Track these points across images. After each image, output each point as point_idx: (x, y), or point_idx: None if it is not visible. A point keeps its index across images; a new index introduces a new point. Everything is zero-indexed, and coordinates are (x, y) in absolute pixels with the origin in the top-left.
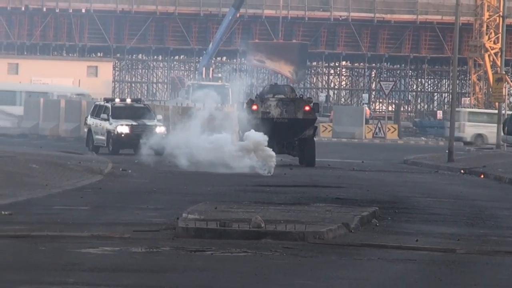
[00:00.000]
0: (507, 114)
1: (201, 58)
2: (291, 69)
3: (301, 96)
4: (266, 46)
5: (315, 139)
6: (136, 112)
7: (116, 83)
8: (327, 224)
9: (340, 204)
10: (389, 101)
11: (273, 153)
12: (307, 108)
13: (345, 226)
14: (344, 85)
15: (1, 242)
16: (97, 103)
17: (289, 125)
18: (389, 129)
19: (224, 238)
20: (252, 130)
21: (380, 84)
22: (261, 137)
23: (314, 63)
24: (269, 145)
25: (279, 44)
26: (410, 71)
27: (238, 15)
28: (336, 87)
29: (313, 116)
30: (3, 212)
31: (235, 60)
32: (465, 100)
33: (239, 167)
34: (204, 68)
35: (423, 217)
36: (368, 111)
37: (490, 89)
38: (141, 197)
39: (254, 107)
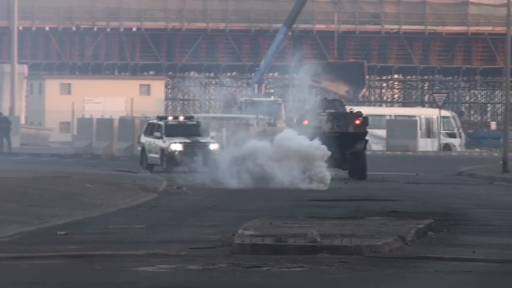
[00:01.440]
0: None
1: (253, 74)
2: (348, 88)
3: (351, 110)
4: (322, 66)
5: (366, 152)
6: (189, 129)
7: (168, 101)
8: (383, 237)
9: (395, 217)
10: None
11: (324, 168)
12: (357, 121)
13: (401, 239)
14: (397, 98)
15: (57, 262)
16: (150, 121)
17: (340, 139)
18: None
19: (280, 253)
20: (287, 133)
21: (433, 96)
22: (303, 143)
23: (367, 77)
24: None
25: (335, 64)
26: (463, 83)
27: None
28: (389, 100)
29: (364, 130)
30: (58, 232)
31: (287, 76)
32: None
33: (281, 181)
34: (256, 85)
35: (479, 228)
36: None
37: None
38: (196, 214)
39: (305, 122)
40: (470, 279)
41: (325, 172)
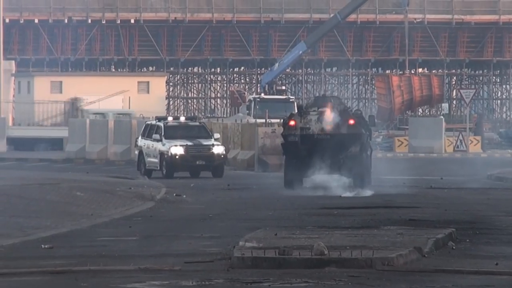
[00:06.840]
0: None
1: (263, 69)
2: None
3: (348, 108)
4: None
5: (369, 155)
6: (191, 131)
7: (170, 99)
8: (398, 248)
9: (413, 226)
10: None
11: None
12: (351, 121)
13: (418, 251)
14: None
15: (39, 279)
16: (148, 122)
17: (331, 142)
18: (472, 142)
19: (284, 267)
20: None
21: (460, 93)
22: None
23: (388, 71)
24: (316, 165)
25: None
26: (494, 77)
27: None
28: None
29: (358, 131)
30: (43, 246)
31: (300, 71)
32: None
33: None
34: (266, 85)
35: (506, 238)
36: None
37: None
38: (195, 225)
39: (292, 122)
40: None
41: None
